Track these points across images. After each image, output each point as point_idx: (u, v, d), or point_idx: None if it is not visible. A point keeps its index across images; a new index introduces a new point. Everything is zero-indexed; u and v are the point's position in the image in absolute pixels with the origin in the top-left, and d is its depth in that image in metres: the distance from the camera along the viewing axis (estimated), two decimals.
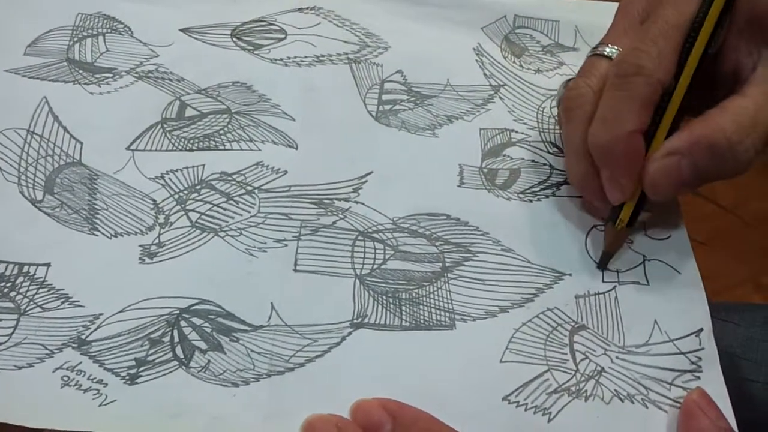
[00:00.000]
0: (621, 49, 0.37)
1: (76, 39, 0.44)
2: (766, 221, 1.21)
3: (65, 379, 0.32)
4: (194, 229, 0.37)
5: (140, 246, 0.36)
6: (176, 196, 0.38)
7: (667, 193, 0.36)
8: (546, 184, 0.41)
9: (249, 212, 0.38)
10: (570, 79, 0.41)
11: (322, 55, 0.45)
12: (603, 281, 0.38)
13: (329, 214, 0.38)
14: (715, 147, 0.34)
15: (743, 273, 1.17)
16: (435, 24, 0.47)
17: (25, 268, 0.35)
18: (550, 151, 0.43)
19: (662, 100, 0.35)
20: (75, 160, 0.39)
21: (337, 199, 0.39)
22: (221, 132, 0.41)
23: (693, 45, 0.34)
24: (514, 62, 0.47)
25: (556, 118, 0.44)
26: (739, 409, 0.34)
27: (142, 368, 0.33)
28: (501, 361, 0.35)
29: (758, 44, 0.35)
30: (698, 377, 0.35)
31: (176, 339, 0.34)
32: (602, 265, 0.38)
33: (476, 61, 0.46)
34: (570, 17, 0.49)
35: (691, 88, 0.35)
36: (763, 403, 0.52)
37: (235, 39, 0.45)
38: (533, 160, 0.42)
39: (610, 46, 0.38)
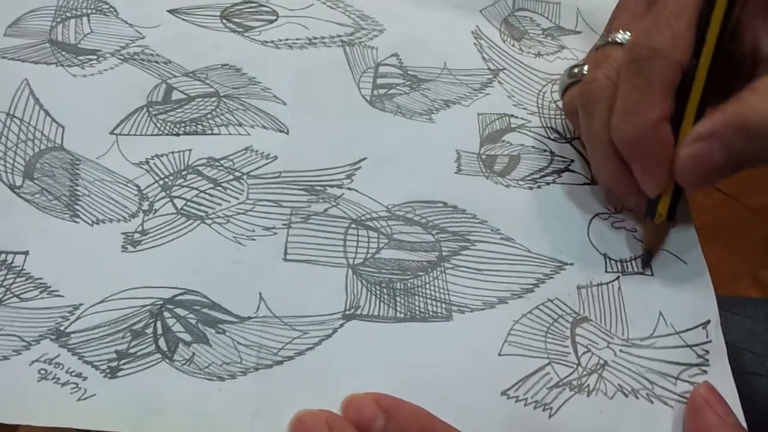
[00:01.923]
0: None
1: (59, 19, 0.42)
2: (766, 215, 1.20)
3: (42, 372, 0.31)
4: (180, 216, 0.36)
5: (123, 234, 0.35)
6: (161, 182, 0.36)
7: (701, 181, 0.33)
8: (547, 170, 0.40)
9: (237, 199, 0.36)
10: (573, 67, 0.39)
11: (315, 38, 0.43)
12: (606, 271, 0.36)
13: (321, 201, 0.37)
14: (750, 128, 0.31)
15: (742, 267, 1.16)
16: (432, 6, 0.46)
17: (2, 256, 0.33)
18: (551, 137, 0.41)
19: (684, 83, 0.33)
20: (56, 145, 0.37)
21: (329, 185, 0.37)
22: (209, 116, 0.39)
23: (709, 22, 0.32)
24: (513, 46, 0.45)
25: (558, 104, 0.42)
26: (742, 403, 0.33)
27: (123, 361, 0.31)
28: (500, 354, 0.33)
29: None
30: (705, 371, 0.34)
31: (159, 331, 0.32)
32: (645, 265, 0.36)
33: (474, 44, 0.45)
34: None
35: (713, 68, 0.33)
36: (766, 396, 0.51)
37: (224, 20, 0.43)
38: (533, 147, 0.41)
39: (621, 32, 0.36)
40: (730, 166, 0.32)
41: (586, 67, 0.37)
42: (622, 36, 0.36)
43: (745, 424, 0.32)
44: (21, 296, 0.32)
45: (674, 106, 0.33)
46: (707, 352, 0.34)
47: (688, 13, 0.33)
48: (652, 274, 0.36)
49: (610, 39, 0.36)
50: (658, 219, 0.35)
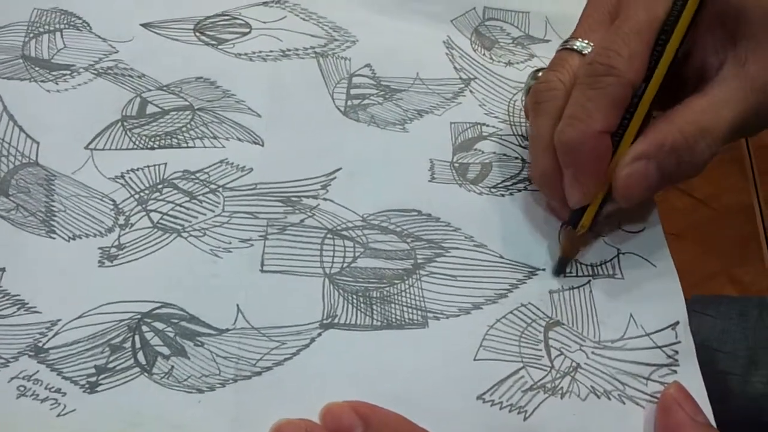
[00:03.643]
0: (592, 44, 0.37)
1: (31, 35, 0.42)
2: (738, 214, 1.22)
3: (21, 389, 0.31)
4: (156, 229, 0.36)
5: (99, 248, 0.35)
6: (137, 196, 0.37)
7: (638, 197, 0.35)
8: (518, 178, 0.40)
9: (213, 211, 0.37)
10: (538, 70, 0.40)
11: (289, 50, 0.44)
12: (577, 275, 0.37)
13: (297, 212, 0.37)
14: (678, 149, 0.34)
15: (717, 266, 1.17)
16: (404, 17, 0.46)
17: None
18: (522, 144, 0.42)
19: (632, 100, 0.34)
20: (31, 161, 0.37)
21: (304, 196, 0.38)
22: (184, 129, 0.39)
23: (664, 47, 0.34)
24: (484, 55, 0.46)
25: (524, 108, 0.43)
26: (715, 402, 0.34)
27: (102, 376, 0.31)
28: (475, 359, 0.34)
29: (725, 44, 0.35)
30: (675, 371, 0.35)
31: (138, 345, 0.32)
32: (560, 271, 0.37)
33: (446, 54, 0.45)
34: (540, 8, 0.48)
35: (660, 90, 0.34)
36: (739, 395, 0.52)
37: (198, 34, 0.44)
38: (505, 154, 0.41)
39: (580, 40, 0.37)
40: (663, 183, 0.35)
41: None
42: (579, 43, 0.37)
43: (714, 423, 0.33)
44: None
45: (619, 122, 0.34)
46: (677, 352, 0.35)
47: (646, 35, 0.34)
48: (623, 277, 0.37)
49: (568, 45, 0.37)
50: (580, 229, 0.36)
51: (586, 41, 0.37)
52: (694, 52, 0.36)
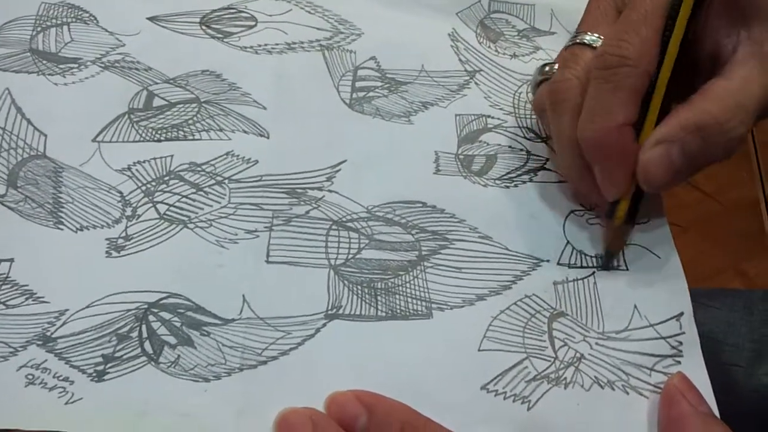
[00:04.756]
0: (602, 37, 0.36)
1: (39, 29, 0.42)
2: (746, 208, 1.21)
3: (30, 377, 0.31)
4: (162, 221, 0.36)
5: (107, 239, 0.35)
6: (144, 188, 0.37)
7: (662, 183, 0.34)
8: (523, 169, 0.41)
9: (219, 203, 0.37)
10: (545, 65, 0.40)
11: (294, 43, 0.44)
12: (582, 267, 0.37)
13: (302, 203, 0.37)
14: (703, 129, 0.33)
15: (724, 260, 1.17)
16: (409, 9, 0.47)
17: None
18: (527, 136, 0.42)
19: (648, 89, 0.34)
20: (39, 153, 0.38)
21: (310, 188, 0.38)
22: (190, 122, 0.40)
23: (672, 30, 0.34)
24: (489, 47, 0.46)
25: (532, 103, 0.43)
26: (720, 394, 0.34)
27: (109, 365, 0.32)
28: (479, 350, 0.34)
29: (737, 26, 0.35)
30: (679, 362, 0.35)
31: (145, 334, 0.33)
32: (606, 266, 0.37)
33: (451, 46, 0.45)
34: (545, 0, 0.48)
35: (674, 74, 0.34)
36: (744, 388, 0.52)
37: (204, 27, 0.44)
38: (510, 146, 0.41)
39: (590, 33, 0.37)
40: (688, 167, 0.34)
41: (556, 66, 0.38)
42: (590, 37, 0.37)
43: (717, 413, 0.33)
44: (7, 303, 0.33)
45: (639, 112, 0.34)
46: (681, 343, 0.35)
47: (655, 21, 0.34)
48: (627, 268, 0.37)
49: (578, 40, 0.37)
50: (617, 222, 0.36)
51: (596, 34, 0.37)
52: (705, 37, 0.35)
